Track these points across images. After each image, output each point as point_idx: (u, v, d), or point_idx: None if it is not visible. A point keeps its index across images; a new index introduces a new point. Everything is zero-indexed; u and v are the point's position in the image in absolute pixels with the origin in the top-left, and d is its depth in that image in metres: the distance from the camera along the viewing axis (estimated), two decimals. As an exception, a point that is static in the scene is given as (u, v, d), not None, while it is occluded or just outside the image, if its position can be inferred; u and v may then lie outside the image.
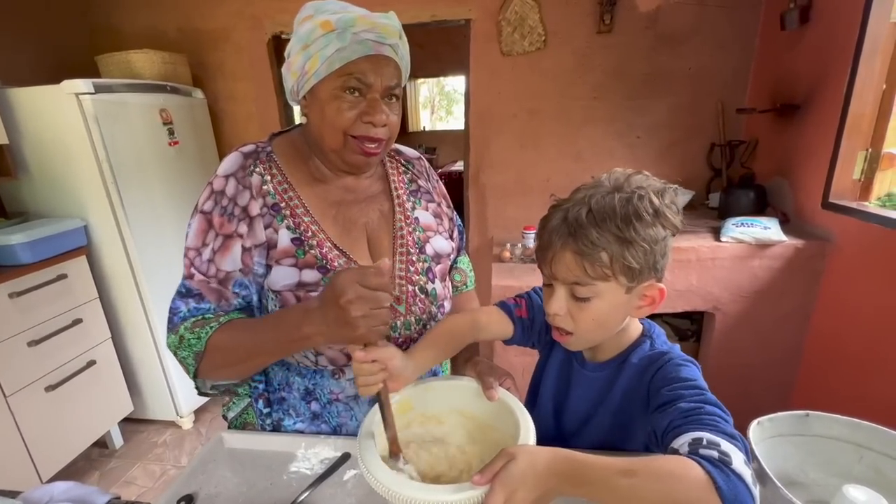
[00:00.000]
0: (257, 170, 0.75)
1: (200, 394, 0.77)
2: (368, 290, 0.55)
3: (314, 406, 0.79)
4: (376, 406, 0.65)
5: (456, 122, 7.24)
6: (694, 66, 2.12)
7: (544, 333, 0.78)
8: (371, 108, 0.70)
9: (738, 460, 0.46)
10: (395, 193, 0.84)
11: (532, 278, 1.96)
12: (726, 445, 0.48)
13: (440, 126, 7.28)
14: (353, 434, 0.79)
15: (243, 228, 0.72)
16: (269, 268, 0.73)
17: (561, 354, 0.77)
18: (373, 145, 0.72)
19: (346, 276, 0.56)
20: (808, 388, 1.73)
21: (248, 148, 0.77)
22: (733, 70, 2.09)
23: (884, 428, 0.60)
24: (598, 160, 2.28)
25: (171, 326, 0.73)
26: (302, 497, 0.65)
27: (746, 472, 0.46)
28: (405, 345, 0.78)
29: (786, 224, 1.78)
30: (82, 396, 1.81)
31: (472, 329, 0.75)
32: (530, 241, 2.20)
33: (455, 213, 0.94)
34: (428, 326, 0.80)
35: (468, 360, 0.75)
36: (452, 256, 0.89)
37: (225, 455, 0.76)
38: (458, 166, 5.15)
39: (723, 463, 0.46)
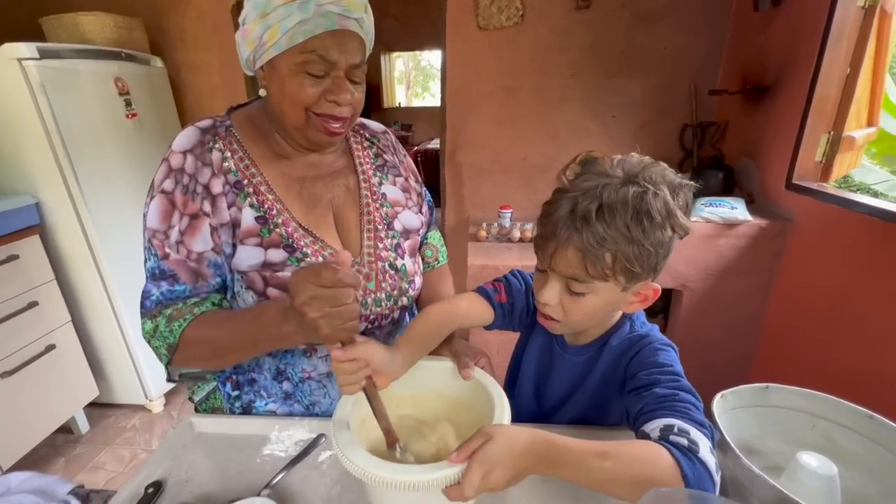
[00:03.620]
0: (217, 146, 0.71)
1: (169, 380, 0.75)
2: (325, 288, 0.51)
3: (286, 385, 0.78)
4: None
5: (432, 98, 7.09)
6: (668, 46, 2.12)
7: (524, 317, 0.79)
8: (336, 86, 0.67)
9: (704, 449, 0.49)
10: (359, 169, 0.82)
11: (507, 257, 1.97)
12: (695, 434, 0.50)
13: (416, 103, 7.13)
14: (327, 413, 0.78)
15: (207, 207, 0.69)
16: (233, 248, 0.70)
17: (542, 337, 0.78)
18: (337, 124, 0.70)
19: (299, 276, 0.53)
20: (765, 360, 1.82)
21: (205, 123, 0.73)
22: (706, 51, 2.11)
23: (835, 398, 0.64)
24: (575, 139, 2.28)
25: (144, 311, 0.70)
26: (276, 479, 0.64)
27: (711, 461, 0.48)
28: (376, 322, 0.78)
29: (751, 204, 1.84)
30: (42, 382, 1.74)
31: (455, 318, 0.74)
32: (506, 220, 2.20)
33: (424, 188, 0.92)
34: (399, 303, 0.80)
35: (444, 340, 0.75)
36: (422, 232, 0.88)
37: (195, 439, 0.75)
38: (435, 144, 5.08)
39: (690, 451, 0.48)
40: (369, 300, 0.76)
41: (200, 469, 0.68)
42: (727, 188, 1.95)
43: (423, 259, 0.91)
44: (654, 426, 0.52)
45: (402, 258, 0.81)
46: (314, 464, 0.68)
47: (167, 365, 0.71)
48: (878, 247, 1.31)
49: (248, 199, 0.71)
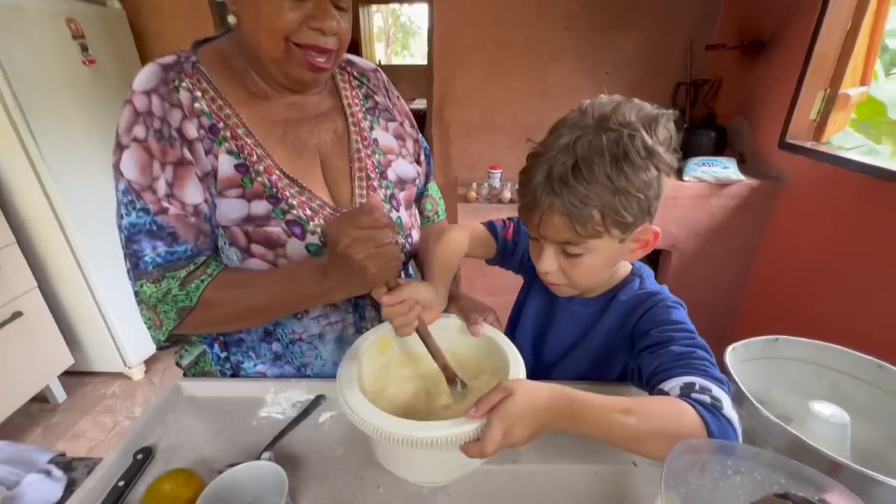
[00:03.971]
0: (184, 84, 0.62)
1: (160, 348, 0.69)
2: (364, 230, 0.52)
3: (275, 346, 0.74)
4: (353, 347, 0.61)
5: (412, 57, 6.81)
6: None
7: (527, 260, 0.76)
8: (319, 11, 0.58)
9: (727, 405, 0.48)
10: (348, 111, 0.75)
11: (498, 217, 1.94)
12: (717, 391, 0.49)
13: (396, 61, 6.83)
14: (320, 374, 0.75)
15: (188, 154, 0.61)
16: (214, 202, 0.64)
17: (544, 288, 0.74)
18: (322, 59, 0.62)
19: (337, 223, 0.53)
20: (749, 315, 1.88)
21: (168, 59, 0.64)
22: (704, 3, 2.03)
23: (842, 348, 0.64)
24: (567, 97, 2.21)
25: (139, 273, 0.62)
26: (276, 442, 0.61)
27: (734, 417, 0.48)
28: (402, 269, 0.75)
29: (742, 164, 1.83)
30: (11, 350, 1.65)
31: (463, 247, 0.73)
32: (496, 180, 2.15)
33: (420, 134, 0.85)
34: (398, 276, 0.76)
35: (450, 296, 0.71)
36: (419, 183, 0.83)
37: (184, 403, 0.70)
38: (417, 104, 4.89)
39: (714, 408, 0.48)
40: None
41: (193, 433, 0.64)
42: (719, 148, 1.93)
43: (421, 213, 0.86)
44: (673, 384, 0.51)
45: (398, 210, 0.76)
46: (315, 425, 0.65)
47: (166, 331, 0.65)
48: (869, 205, 1.32)
49: (225, 144, 0.63)
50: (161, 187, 0.60)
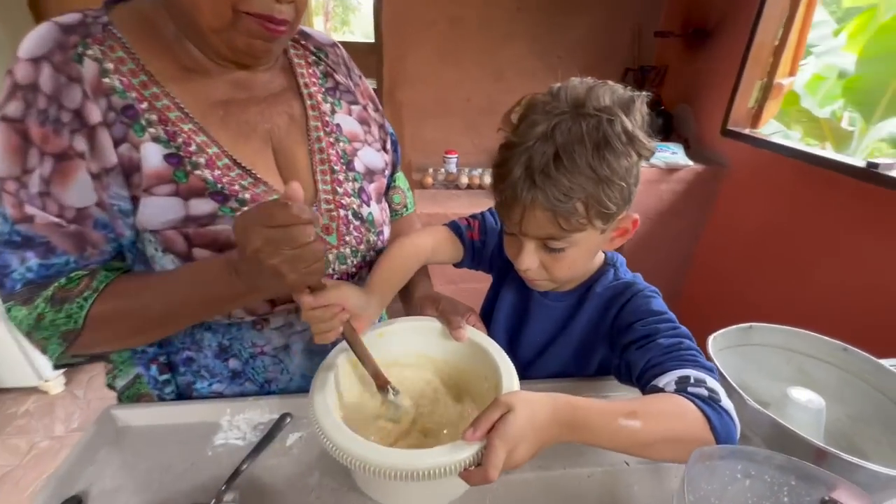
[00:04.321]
0: (90, 52, 0.50)
1: (56, 367, 0.58)
2: (279, 228, 0.42)
3: (233, 363, 0.65)
4: (326, 363, 0.54)
5: (353, 34, 6.50)
6: (615, -18, 2.05)
7: (496, 258, 0.73)
8: None
9: (724, 396, 0.47)
10: (305, 91, 0.65)
11: (456, 205, 1.89)
12: (711, 382, 0.48)
13: (336, 37, 6.48)
14: (286, 389, 0.67)
15: (81, 144, 0.49)
16: (135, 200, 0.52)
17: (517, 283, 0.71)
18: (280, 28, 0.53)
19: (245, 220, 0.44)
20: (691, 297, 1.99)
21: (70, 18, 0.51)
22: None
23: (810, 332, 0.66)
24: (520, 80, 2.18)
25: (6, 293, 0.51)
26: (240, 471, 0.53)
27: (731, 407, 0.47)
28: (358, 272, 0.67)
29: (687, 150, 1.91)
30: None
31: (422, 254, 0.66)
32: (452, 165, 2.10)
33: (386, 119, 0.78)
34: (367, 258, 0.68)
35: (426, 296, 0.66)
36: (388, 173, 0.76)
37: (119, 436, 0.60)
38: (363, 84, 4.67)
39: (712, 400, 0.47)
40: (331, 257, 0.63)
41: (134, 473, 0.55)
42: (665, 134, 2.01)
43: (390, 205, 0.79)
44: (667, 379, 0.50)
45: (368, 205, 0.68)
46: (283, 449, 0.58)
47: (57, 357, 0.54)
48: (802, 188, 1.42)
49: (150, 130, 0.52)
50: (34, 184, 0.48)
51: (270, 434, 0.59)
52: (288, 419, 0.62)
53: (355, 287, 0.55)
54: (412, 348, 0.61)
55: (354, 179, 0.67)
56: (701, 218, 1.86)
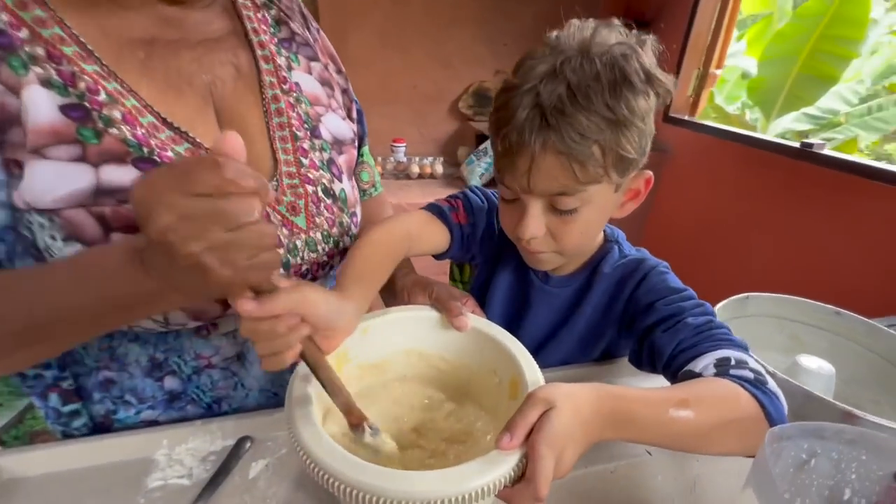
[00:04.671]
0: None
1: None
2: (199, 199, 0.28)
3: (170, 382, 0.51)
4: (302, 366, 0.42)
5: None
6: (557, -28, 2.06)
7: (487, 243, 0.64)
8: None
9: (769, 378, 0.43)
10: (254, 39, 0.53)
11: (408, 195, 1.79)
12: (753, 363, 0.44)
13: (263, 25, 6.05)
14: (243, 408, 0.55)
15: None
16: (10, 166, 0.38)
17: (512, 269, 0.64)
18: None
19: (148, 186, 0.29)
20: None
21: None
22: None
23: (802, 299, 0.66)
24: (467, 67, 2.13)
25: None
26: (186, 526, 0.40)
27: (779, 390, 0.42)
28: (310, 274, 0.55)
29: (631, 137, 1.97)
30: None
31: (403, 243, 0.55)
32: (401, 154, 1.99)
33: (349, 83, 0.66)
34: (340, 245, 0.57)
35: (414, 282, 0.56)
36: (354, 156, 0.64)
37: (6, 493, 0.44)
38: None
39: (759, 383, 0.41)
40: (298, 243, 0.52)
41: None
42: (610, 122, 2.05)
43: (357, 184, 0.68)
44: (704, 362, 0.44)
45: (340, 180, 0.57)
46: (244, 483, 0.45)
47: None
48: (742, 169, 1.50)
49: (35, 70, 0.38)
50: None
51: (226, 466, 0.46)
52: (248, 444, 0.49)
53: (321, 289, 0.39)
54: (401, 345, 0.51)
55: (322, 149, 0.56)
56: (646, 203, 1.92)
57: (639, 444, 0.39)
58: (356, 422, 0.39)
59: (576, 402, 0.35)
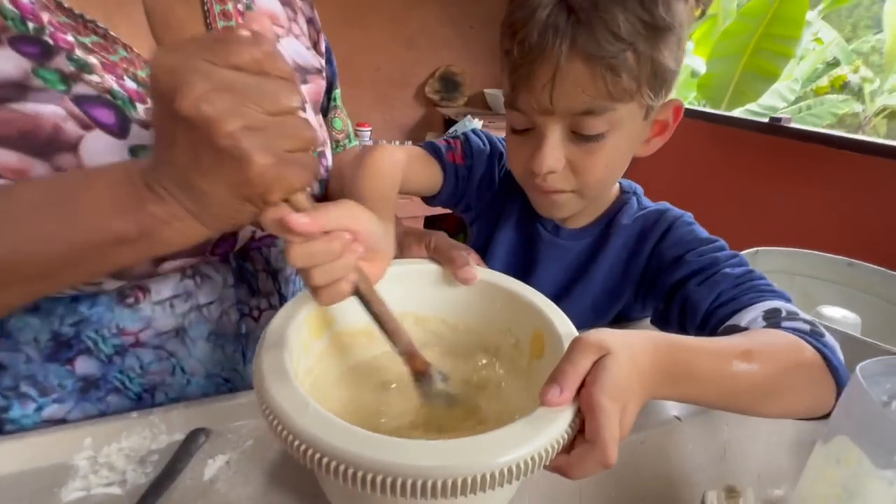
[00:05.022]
0: None
1: None
2: (238, 73, 0.23)
3: (83, 365, 0.40)
4: (271, 329, 0.33)
5: None
6: (523, -47, 2.03)
7: (485, 192, 0.57)
8: None
9: (825, 330, 0.37)
10: None
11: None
12: (804, 315, 0.38)
13: None
14: (184, 396, 0.44)
15: None
16: None
17: (516, 222, 0.57)
18: None
19: (178, 51, 0.24)
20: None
21: None
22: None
23: (814, 252, 0.63)
24: (433, 48, 2.06)
25: None
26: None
27: (836, 342, 0.37)
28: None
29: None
30: None
31: (398, 171, 0.48)
32: (366, 139, 1.89)
33: (316, 13, 0.56)
34: (309, 189, 0.48)
35: (407, 232, 0.47)
36: (324, 85, 0.55)
37: None
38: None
39: (817, 335, 0.36)
40: None
41: None
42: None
43: (329, 133, 0.58)
44: (751, 315, 0.39)
45: (303, 109, 0.48)
46: (197, 487, 0.35)
47: None
48: (713, 146, 1.51)
49: None
50: None
51: (173, 467, 0.36)
52: (202, 438, 0.39)
53: (363, 207, 0.32)
54: (393, 306, 0.42)
55: None
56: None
57: (693, 403, 0.33)
58: (422, 368, 0.33)
59: (632, 350, 0.28)
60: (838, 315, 0.53)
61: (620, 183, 0.56)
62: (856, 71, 5.50)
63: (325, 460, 0.22)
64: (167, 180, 0.26)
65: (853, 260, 0.61)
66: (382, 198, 0.45)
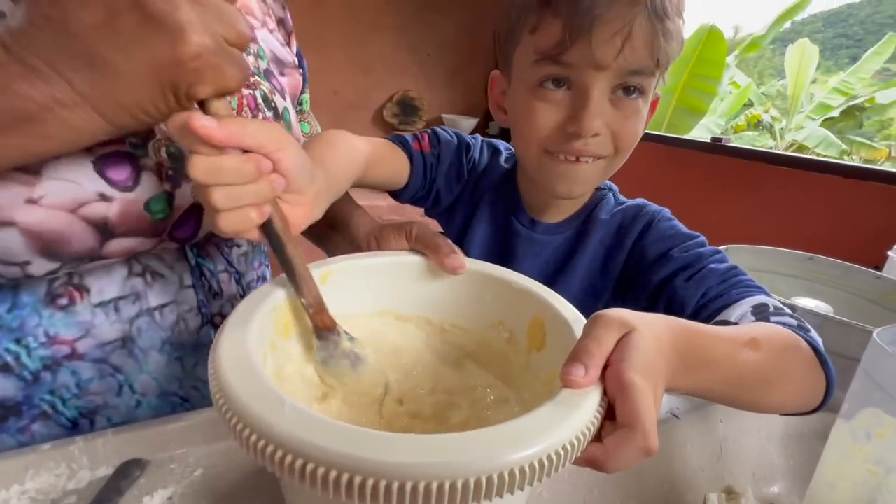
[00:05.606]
0: None
1: None
2: None
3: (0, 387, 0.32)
4: (239, 311, 0.28)
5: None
6: (475, -13, 2.12)
7: (455, 184, 0.55)
8: None
9: (810, 326, 0.38)
10: None
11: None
12: (788, 310, 0.38)
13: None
14: (127, 420, 0.37)
15: None
16: None
17: (490, 218, 0.55)
18: None
19: None
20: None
21: None
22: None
23: (776, 248, 0.65)
24: (390, 75, 2.06)
25: None
26: None
27: (819, 338, 0.37)
28: None
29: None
30: None
31: (360, 159, 0.43)
32: (324, 161, 1.84)
33: (288, 13, 0.53)
34: (230, 99, 0.44)
35: (384, 224, 0.43)
36: (300, 80, 0.52)
37: None
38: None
39: (804, 329, 0.36)
40: None
41: None
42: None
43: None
44: (741, 310, 0.38)
45: (283, 98, 0.44)
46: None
47: None
48: (662, 167, 1.60)
49: None
50: None
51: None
52: (137, 472, 0.31)
53: (291, 136, 0.28)
54: (371, 304, 0.37)
55: (258, 55, 0.43)
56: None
57: (699, 393, 0.31)
58: (327, 324, 0.29)
59: (655, 330, 0.25)
60: (811, 305, 0.54)
61: None
62: (767, 111, 6.24)
63: (319, 470, 0.18)
64: (53, 51, 0.20)
65: (813, 254, 0.63)
66: (328, 161, 0.38)
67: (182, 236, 0.35)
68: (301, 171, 0.28)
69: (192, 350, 0.39)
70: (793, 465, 0.48)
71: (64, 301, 0.32)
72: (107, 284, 0.33)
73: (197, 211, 0.35)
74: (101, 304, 0.34)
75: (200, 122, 0.21)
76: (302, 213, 0.29)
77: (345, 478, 0.17)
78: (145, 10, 0.19)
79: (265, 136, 0.24)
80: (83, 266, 0.31)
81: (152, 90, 0.21)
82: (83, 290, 0.33)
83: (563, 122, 0.42)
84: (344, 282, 0.35)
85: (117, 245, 0.31)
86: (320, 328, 0.29)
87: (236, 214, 0.24)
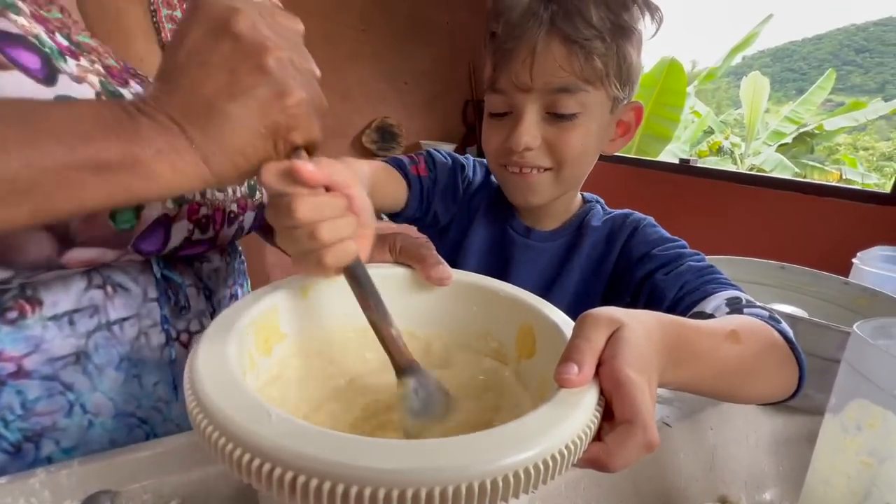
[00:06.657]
0: None
1: None
2: (269, 18, 0.26)
3: None
4: (224, 317, 0.26)
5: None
6: (450, 21, 2.20)
7: (450, 202, 0.57)
8: None
9: (779, 317, 0.39)
10: None
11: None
12: (759, 303, 0.41)
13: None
14: (87, 448, 0.34)
15: None
16: None
17: (487, 227, 0.57)
18: None
19: None
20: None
21: None
22: (484, 30, 2.29)
23: (746, 258, 0.67)
24: (368, 102, 2.10)
25: None
26: None
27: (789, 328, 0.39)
28: (210, 227, 0.39)
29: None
30: None
31: (368, 185, 0.45)
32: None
33: None
34: (259, 196, 0.46)
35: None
36: None
37: None
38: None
39: (775, 321, 0.38)
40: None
41: None
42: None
43: None
44: (715, 303, 0.40)
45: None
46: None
47: None
48: (634, 186, 1.65)
49: None
50: None
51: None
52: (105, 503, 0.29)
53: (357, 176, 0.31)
54: (353, 319, 0.36)
55: None
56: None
57: (684, 388, 0.31)
58: (405, 363, 0.29)
59: (643, 324, 0.26)
60: (788, 310, 0.56)
61: (583, 194, 0.59)
62: (727, 138, 6.64)
63: (312, 482, 0.16)
64: (177, 109, 0.23)
65: (784, 263, 0.66)
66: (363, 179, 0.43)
67: (147, 250, 0.34)
68: (369, 207, 0.30)
69: (153, 368, 0.36)
70: (782, 471, 0.48)
71: (13, 315, 0.30)
72: (61, 296, 0.31)
73: (164, 224, 0.34)
74: (55, 318, 0.31)
75: (306, 165, 0.25)
76: (366, 245, 0.31)
77: (340, 488, 0.16)
78: (263, 66, 0.23)
79: (343, 175, 0.27)
80: (38, 276, 0.29)
81: (255, 133, 0.24)
82: (35, 302, 0.31)
83: (504, 140, 0.47)
84: (326, 297, 0.34)
85: (77, 255, 0.30)
86: (401, 368, 0.29)
87: (339, 248, 0.27)
